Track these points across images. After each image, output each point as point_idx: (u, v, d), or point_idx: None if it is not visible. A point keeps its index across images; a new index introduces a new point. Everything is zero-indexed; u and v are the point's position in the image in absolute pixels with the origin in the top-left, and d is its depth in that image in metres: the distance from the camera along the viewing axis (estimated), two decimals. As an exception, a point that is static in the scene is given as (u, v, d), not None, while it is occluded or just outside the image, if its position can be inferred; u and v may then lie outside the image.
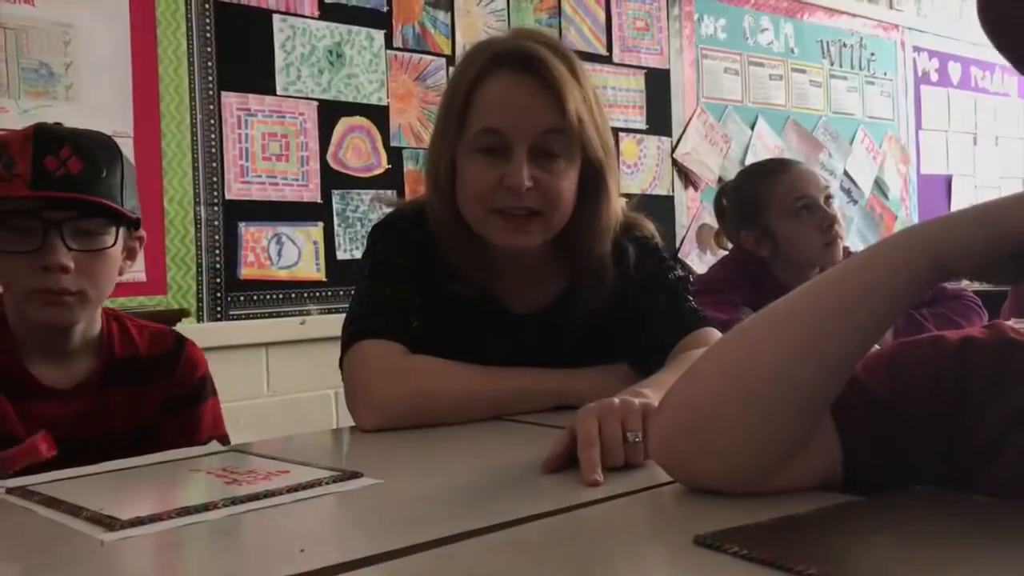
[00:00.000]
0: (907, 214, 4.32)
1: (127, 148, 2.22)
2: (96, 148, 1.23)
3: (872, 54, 4.23)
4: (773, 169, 2.10)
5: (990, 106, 4.75)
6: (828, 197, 2.03)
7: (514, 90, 1.20)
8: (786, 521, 0.66)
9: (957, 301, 2.03)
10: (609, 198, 1.27)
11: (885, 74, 4.28)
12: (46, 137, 1.20)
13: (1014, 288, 2.03)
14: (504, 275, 1.30)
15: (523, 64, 1.20)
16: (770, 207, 2.03)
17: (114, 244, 1.24)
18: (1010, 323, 0.79)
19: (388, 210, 1.39)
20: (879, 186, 4.21)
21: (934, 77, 4.51)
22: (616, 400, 0.92)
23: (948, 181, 4.52)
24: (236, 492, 0.82)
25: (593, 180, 1.26)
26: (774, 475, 0.73)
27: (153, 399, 1.33)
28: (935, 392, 0.76)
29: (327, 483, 0.85)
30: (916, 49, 4.42)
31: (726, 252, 2.26)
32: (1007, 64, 0.77)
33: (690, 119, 3.54)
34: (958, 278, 0.70)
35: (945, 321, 1.92)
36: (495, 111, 1.20)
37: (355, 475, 0.87)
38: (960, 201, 4.49)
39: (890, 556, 0.60)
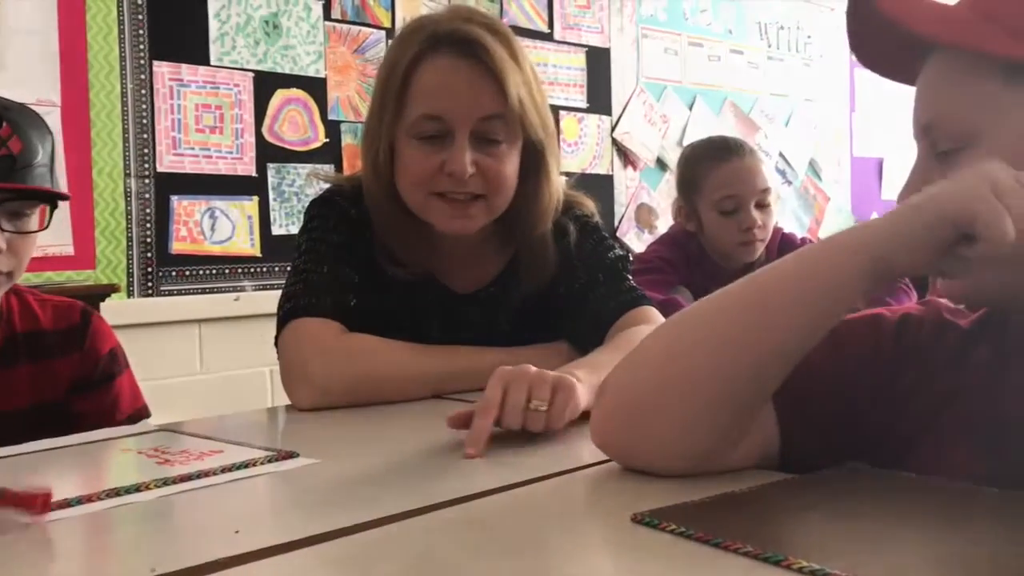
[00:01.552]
0: (840, 195, 4.40)
1: (54, 118, 2.15)
2: (31, 125, 1.20)
3: (809, 36, 4.29)
4: (714, 156, 2.06)
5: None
6: (762, 199, 2.01)
7: (454, 75, 1.18)
8: (722, 499, 0.67)
9: (891, 284, 2.07)
10: (550, 178, 1.27)
11: (821, 56, 4.34)
12: None
13: None
14: (444, 254, 1.29)
15: (462, 48, 1.18)
16: (700, 192, 2.04)
17: (46, 226, 1.23)
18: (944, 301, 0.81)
19: (326, 186, 1.36)
20: (813, 167, 4.29)
21: (868, 61, 4.58)
22: (532, 368, 0.92)
23: (880, 164, 4.62)
24: (168, 472, 0.80)
25: (534, 160, 1.25)
26: (713, 460, 0.73)
27: (60, 375, 1.29)
28: (873, 370, 0.77)
29: (262, 463, 0.84)
30: (851, 33, 4.49)
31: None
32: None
33: (630, 98, 3.55)
34: (902, 276, 0.69)
35: (879, 304, 1.96)
36: (435, 97, 1.18)
37: (291, 455, 0.86)
38: (892, 183, 4.59)
39: (823, 532, 0.61)
